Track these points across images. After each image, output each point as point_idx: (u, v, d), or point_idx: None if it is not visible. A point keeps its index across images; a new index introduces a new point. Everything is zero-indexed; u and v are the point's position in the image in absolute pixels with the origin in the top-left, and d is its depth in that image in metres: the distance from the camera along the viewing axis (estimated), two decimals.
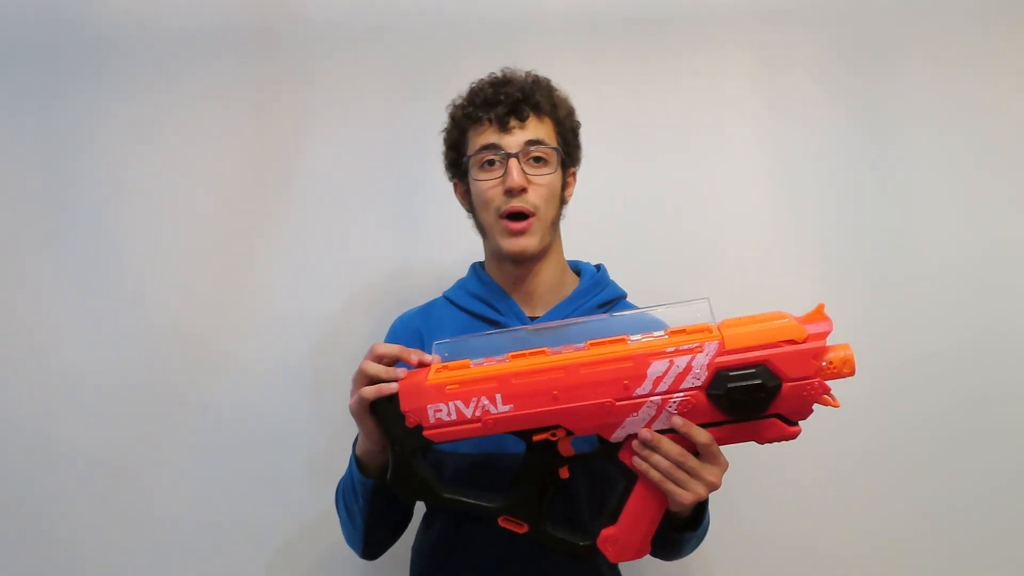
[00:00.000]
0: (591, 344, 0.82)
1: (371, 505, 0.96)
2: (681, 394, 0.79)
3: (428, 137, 1.44)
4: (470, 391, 0.81)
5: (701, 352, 0.78)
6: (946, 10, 1.51)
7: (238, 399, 1.43)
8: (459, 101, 1.08)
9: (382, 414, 0.84)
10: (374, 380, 0.84)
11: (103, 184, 1.47)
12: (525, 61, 1.46)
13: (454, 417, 0.81)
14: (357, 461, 0.95)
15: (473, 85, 1.07)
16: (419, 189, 1.45)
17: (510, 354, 0.83)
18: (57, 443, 1.42)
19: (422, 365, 0.85)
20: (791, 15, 1.51)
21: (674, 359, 0.78)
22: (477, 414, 0.81)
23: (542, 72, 1.45)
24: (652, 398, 0.79)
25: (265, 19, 1.49)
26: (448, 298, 1.13)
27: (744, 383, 0.77)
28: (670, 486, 0.81)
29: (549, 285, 1.08)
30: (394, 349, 0.86)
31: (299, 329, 1.45)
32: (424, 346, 1.06)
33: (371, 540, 1.02)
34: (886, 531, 1.44)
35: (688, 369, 0.78)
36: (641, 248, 1.47)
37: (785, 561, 1.44)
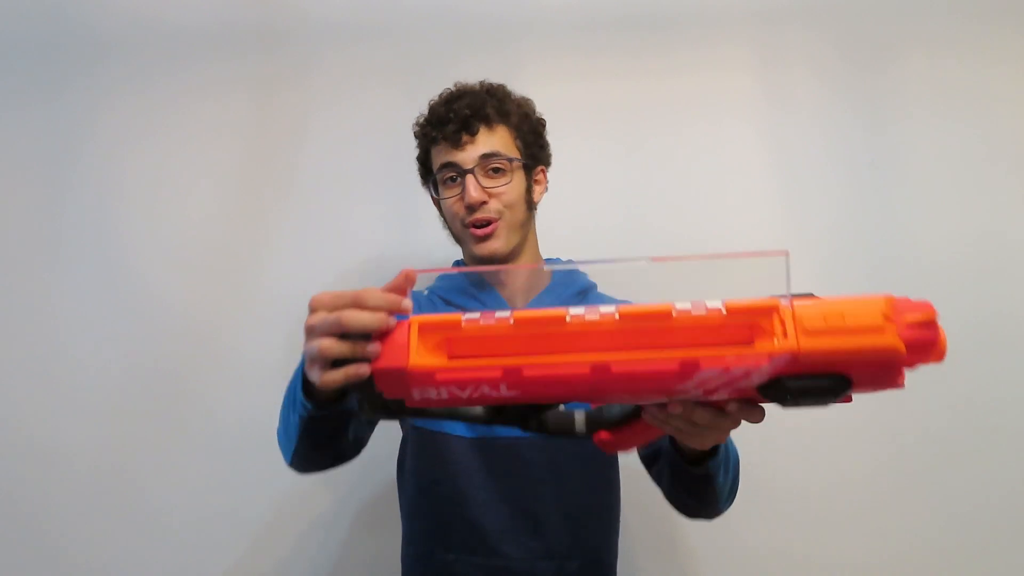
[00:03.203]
0: (624, 313, 0.61)
1: (307, 431, 0.82)
2: (729, 390, 0.63)
3: None
4: (466, 379, 0.62)
5: (767, 364, 0.59)
6: (944, 7, 1.51)
7: (240, 395, 1.43)
8: (421, 119, 1.11)
9: (354, 391, 0.68)
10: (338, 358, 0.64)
11: (104, 181, 1.47)
12: (525, 60, 1.49)
13: (445, 397, 0.64)
14: (304, 376, 0.79)
15: (431, 101, 1.10)
16: (419, 184, 1.45)
17: (516, 315, 0.62)
18: (57, 440, 1.42)
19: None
20: (790, 13, 1.52)
21: (732, 367, 0.59)
22: (474, 396, 0.64)
23: (542, 70, 1.49)
24: (695, 391, 0.63)
25: (266, 16, 1.50)
26: (433, 291, 1.15)
27: (809, 396, 0.61)
28: (690, 439, 0.73)
29: (527, 282, 1.12)
30: (370, 321, 0.63)
31: (301, 324, 1.44)
32: None
33: (302, 460, 0.90)
34: (892, 540, 1.43)
35: (746, 376, 0.60)
36: (642, 245, 1.46)
37: (790, 572, 1.43)
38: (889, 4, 1.51)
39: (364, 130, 1.47)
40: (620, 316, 0.61)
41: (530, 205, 1.11)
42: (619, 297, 1.17)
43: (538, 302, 1.10)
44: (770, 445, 1.33)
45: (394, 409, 0.68)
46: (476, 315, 0.64)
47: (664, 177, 1.50)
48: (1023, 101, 1.50)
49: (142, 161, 1.47)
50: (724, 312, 0.60)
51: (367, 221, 1.47)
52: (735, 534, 1.39)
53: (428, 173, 1.12)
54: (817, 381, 0.60)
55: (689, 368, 0.60)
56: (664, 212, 1.49)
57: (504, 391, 0.63)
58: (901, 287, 1.45)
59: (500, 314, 0.63)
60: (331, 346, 0.64)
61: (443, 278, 1.18)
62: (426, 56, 1.49)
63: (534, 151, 1.11)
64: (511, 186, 1.05)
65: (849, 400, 0.64)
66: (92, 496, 1.42)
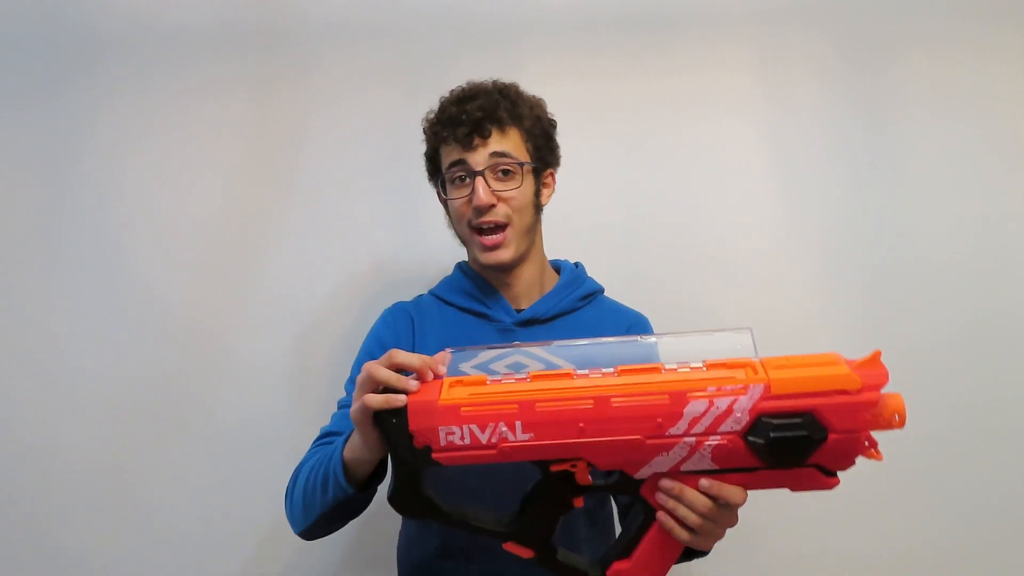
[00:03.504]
0: (621, 371, 0.75)
1: (336, 508, 0.91)
2: (718, 437, 0.72)
3: None
4: (487, 415, 0.73)
5: (744, 395, 0.71)
6: (944, 7, 1.51)
7: (240, 395, 1.44)
8: (431, 116, 1.10)
9: (388, 430, 0.76)
10: (382, 387, 0.77)
11: (104, 181, 1.47)
12: (525, 60, 1.49)
13: (467, 442, 0.74)
14: (343, 462, 0.89)
15: (442, 99, 1.09)
16: (419, 184, 1.44)
17: (531, 373, 0.77)
18: (57, 441, 1.42)
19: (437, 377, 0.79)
20: (790, 13, 1.52)
21: (715, 399, 0.71)
22: (493, 440, 0.73)
23: (542, 70, 1.48)
24: (686, 439, 0.72)
25: (266, 16, 1.50)
26: (435, 295, 1.16)
27: (788, 433, 0.70)
28: (696, 541, 0.77)
29: (531, 283, 1.12)
30: (415, 361, 0.77)
31: (301, 325, 1.45)
32: (415, 333, 1.09)
33: (316, 531, 0.98)
34: (892, 540, 1.43)
35: (728, 412, 0.71)
36: (642, 244, 1.47)
37: (792, 568, 1.43)
38: (889, 4, 1.51)
39: (364, 130, 1.47)
40: (618, 372, 0.75)
41: (538, 208, 1.10)
42: (626, 303, 1.17)
43: (543, 303, 1.10)
44: None
45: (420, 509, 0.79)
46: (499, 376, 0.77)
47: (664, 177, 1.49)
48: (1023, 101, 1.50)
49: (142, 161, 1.47)
50: (705, 370, 0.74)
51: (367, 221, 1.47)
52: (734, 531, 1.39)
53: (436, 171, 1.11)
54: (792, 420, 0.71)
55: (678, 401, 0.72)
56: (664, 212, 1.48)
57: (520, 433, 0.73)
58: (901, 287, 1.48)
59: (519, 375, 0.77)
60: (381, 370, 0.76)
61: (444, 279, 1.18)
62: (426, 56, 1.49)
63: (544, 154, 1.10)
64: (520, 190, 1.04)
65: (836, 483, 0.74)
66: (92, 496, 1.42)
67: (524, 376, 0.76)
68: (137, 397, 1.43)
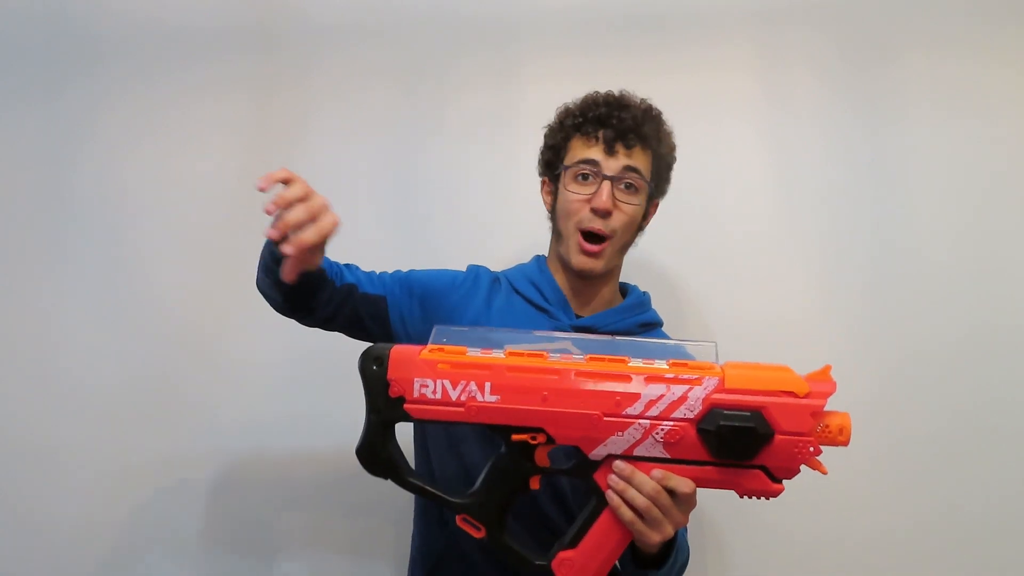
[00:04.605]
0: (590, 358, 0.81)
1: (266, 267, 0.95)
2: (671, 423, 0.77)
3: (428, 133, 1.45)
4: (460, 374, 0.79)
5: (699, 385, 0.77)
6: (944, 7, 1.51)
7: (241, 396, 1.44)
8: (572, 106, 1.11)
9: (368, 375, 0.81)
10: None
11: (104, 181, 1.47)
12: (525, 60, 1.48)
13: (439, 396, 0.79)
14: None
15: (588, 95, 1.11)
16: (420, 185, 1.46)
17: (508, 350, 0.82)
18: (57, 442, 1.43)
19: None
20: (790, 13, 1.52)
21: (671, 386, 0.78)
22: (462, 398, 0.79)
23: (542, 70, 1.48)
24: (641, 421, 0.78)
25: (266, 16, 1.50)
26: (507, 278, 1.16)
27: (737, 424, 0.76)
28: (640, 526, 0.79)
29: (603, 300, 1.13)
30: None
31: (300, 325, 1.44)
32: (481, 301, 1.10)
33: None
34: (894, 533, 1.43)
35: (683, 399, 0.77)
36: (642, 243, 1.45)
37: (795, 562, 1.44)
38: (889, 4, 1.51)
39: (364, 130, 1.47)
40: (587, 359, 0.81)
41: (638, 230, 1.12)
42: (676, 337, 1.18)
43: (605, 316, 1.11)
44: None
45: (381, 465, 0.82)
46: (478, 351, 0.82)
47: None
48: (1023, 101, 1.50)
49: (142, 161, 1.47)
50: (667, 366, 0.80)
51: (367, 221, 1.46)
52: (736, 530, 1.39)
53: (556, 160, 1.11)
54: (742, 416, 0.76)
55: (638, 383, 0.78)
56: (663, 212, 1.47)
57: (487, 394, 0.79)
58: (901, 287, 1.47)
59: (496, 352, 0.81)
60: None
61: (519, 267, 1.17)
62: (426, 56, 1.49)
63: (660, 182, 1.13)
64: (636, 208, 1.07)
65: (780, 491, 0.78)
66: (92, 496, 1.42)
67: (501, 353, 0.81)
68: (137, 397, 1.43)
